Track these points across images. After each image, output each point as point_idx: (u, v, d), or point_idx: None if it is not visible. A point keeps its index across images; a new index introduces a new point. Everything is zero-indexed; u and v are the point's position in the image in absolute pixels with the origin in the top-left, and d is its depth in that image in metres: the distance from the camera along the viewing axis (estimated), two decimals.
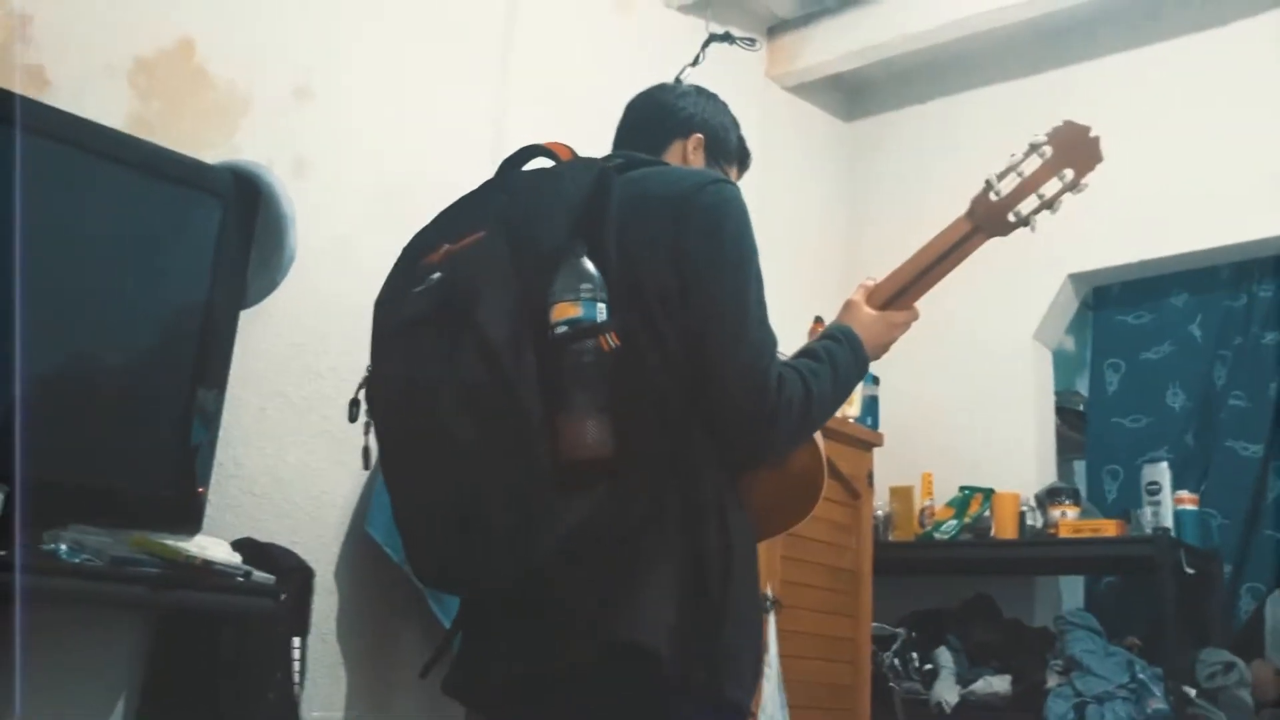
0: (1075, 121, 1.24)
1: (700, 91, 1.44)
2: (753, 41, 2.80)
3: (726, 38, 2.71)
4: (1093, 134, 1.24)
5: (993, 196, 1.24)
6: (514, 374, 1.01)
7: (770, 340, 1.14)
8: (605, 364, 1.03)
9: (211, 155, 1.87)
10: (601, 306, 1.04)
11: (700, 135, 1.36)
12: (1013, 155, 1.24)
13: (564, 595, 1.07)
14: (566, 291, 1.03)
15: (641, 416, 1.07)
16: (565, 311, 1.02)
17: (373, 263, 2.13)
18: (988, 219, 1.25)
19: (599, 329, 1.02)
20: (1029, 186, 1.23)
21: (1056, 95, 3.17)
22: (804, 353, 1.21)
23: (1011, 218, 1.24)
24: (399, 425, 1.11)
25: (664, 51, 2.70)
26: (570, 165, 1.18)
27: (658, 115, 1.38)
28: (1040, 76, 3.21)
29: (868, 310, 1.28)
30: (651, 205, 1.14)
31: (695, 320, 1.10)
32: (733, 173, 1.41)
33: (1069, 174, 1.22)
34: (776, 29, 3.33)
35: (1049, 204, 1.23)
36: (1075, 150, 1.23)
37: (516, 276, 1.05)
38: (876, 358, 1.29)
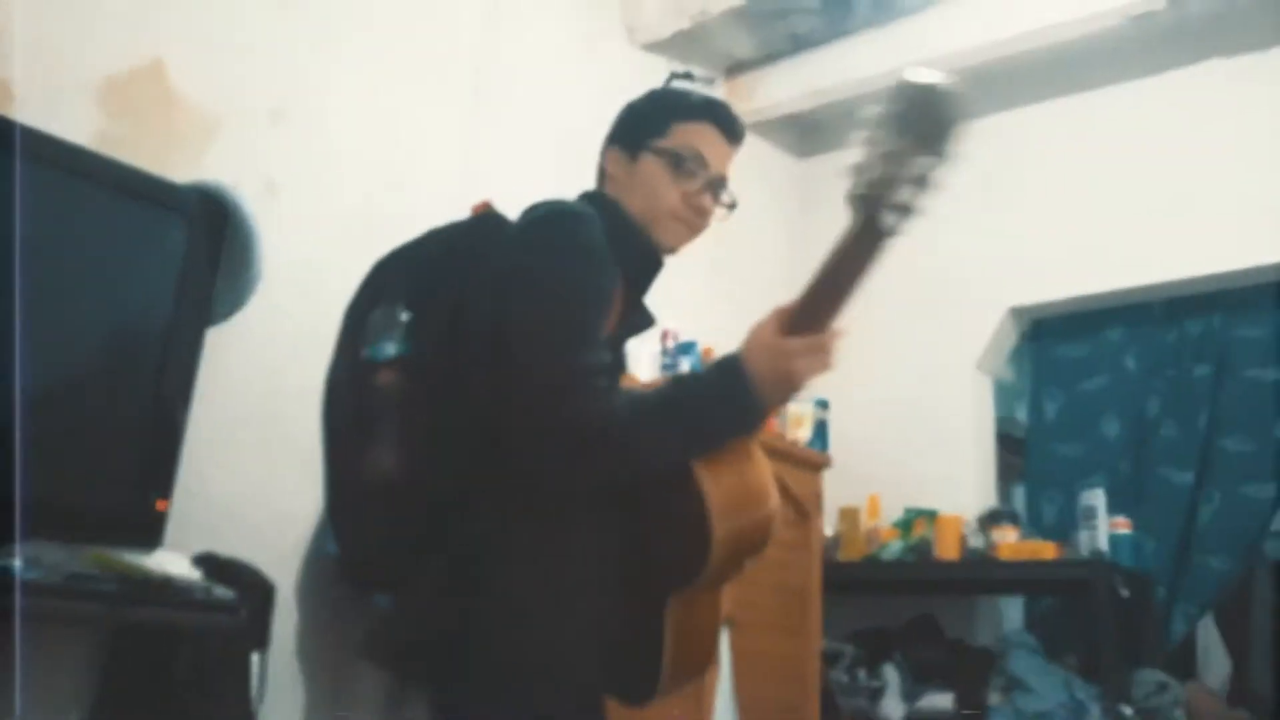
0: (913, 79, 1.01)
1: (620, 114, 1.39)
2: (711, 80, 2.89)
3: (687, 76, 2.78)
4: (936, 86, 1.00)
5: (864, 191, 1.04)
6: (335, 411, 1.26)
7: (565, 362, 1.09)
8: (390, 396, 1.18)
9: (181, 176, 1.89)
10: (388, 346, 1.18)
11: (613, 146, 1.35)
12: (870, 137, 1.03)
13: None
14: (369, 333, 1.21)
15: (435, 446, 1.17)
16: (364, 351, 1.22)
17: (340, 285, 2.16)
18: (870, 217, 1.05)
19: (382, 365, 1.18)
20: (896, 171, 1.02)
21: (999, 136, 3.30)
22: (670, 380, 1.22)
23: (891, 211, 1.04)
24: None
25: (628, 88, 2.72)
26: (452, 225, 1.33)
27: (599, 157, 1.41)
28: (985, 119, 3.34)
29: (764, 335, 1.13)
30: (496, 252, 1.22)
31: (499, 352, 1.13)
32: (683, 133, 1.31)
33: (936, 146, 1.00)
34: (734, 69, 3.44)
35: (922, 183, 1.02)
36: (928, 115, 1.01)
37: (355, 328, 1.27)
38: (776, 392, 1.13)
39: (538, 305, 1.13)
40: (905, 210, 1.04)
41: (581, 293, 1.15)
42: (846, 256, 1.10)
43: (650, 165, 1.32)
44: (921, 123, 1.01)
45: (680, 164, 1.31)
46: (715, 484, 1.12)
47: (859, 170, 1.04)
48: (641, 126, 1.34)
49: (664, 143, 1.31)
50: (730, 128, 1.36)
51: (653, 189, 1.31)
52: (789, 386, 1.14)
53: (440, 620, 1.14)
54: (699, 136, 1.33)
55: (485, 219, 1.29)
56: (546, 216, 1.21)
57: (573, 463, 1.09)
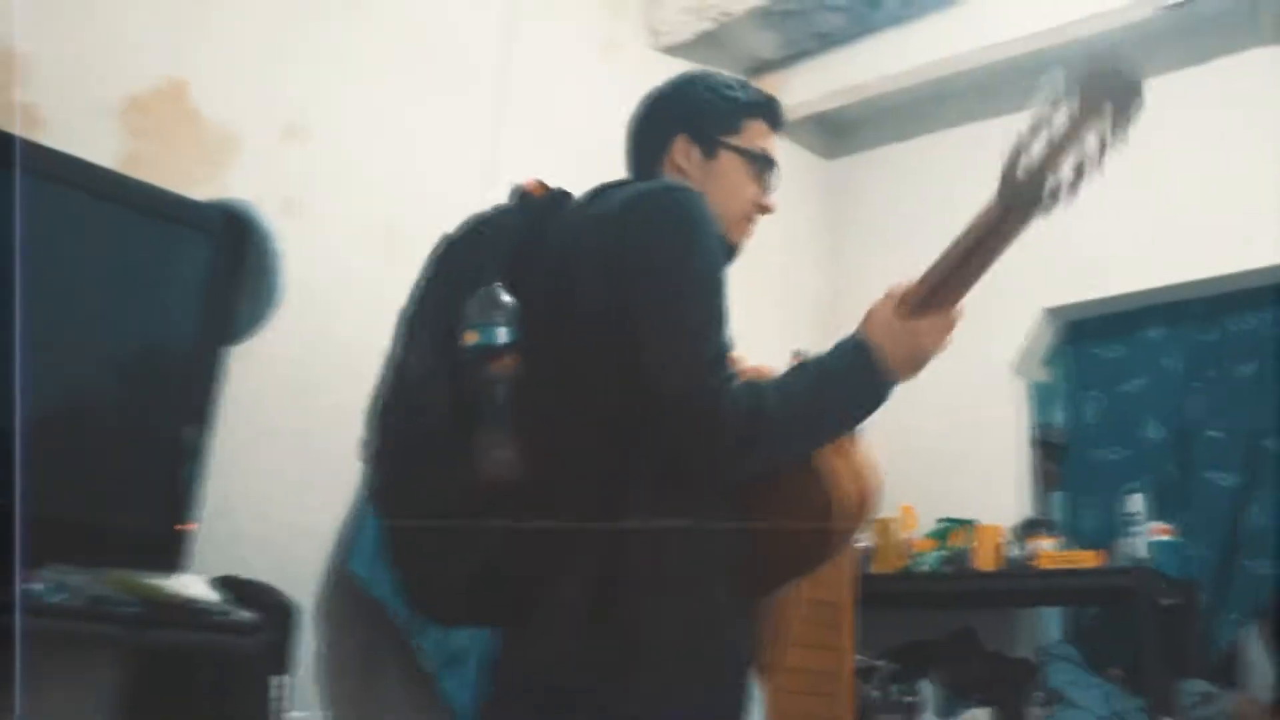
0: (1102, 59, 0.99)
1: (666, 87, 1.32)
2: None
3: None
4: (1127, 70, 0.98)
5: (1020, 172, 1.00)
6: (428, 407, 1.08)
7: (707, 353, 1.06)
8: (507, 384, 1.05)
9: (202, 193, 1.90)
10: (501, 331, 1.06)
11: (682, 136, 1.27)
12: (1033, 114, 1.00)
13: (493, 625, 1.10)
14: (472, 318, 1.07)
15: (558, 440, 1.07)
16: (470, 338, 1.07)
17: (362, 300, 2.16)
18: (1020, 195, 1.01)
19: (494, 352, 1.05)
20: (1062, 147, 0.99)
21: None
22: (795, 367, 1.11)
23: (1048, 190, 1.00)
24: (375, 474, 1.17)
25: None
26: (524, 203, 1.23)
27: (639, 141, 1.32)
28: (1018, 115, 3.26)
29: (887, 318, 1.11)
30: (594, 226, 1.13)
31: (631, 337, 1.06)
32: (753, 131, 1.28)
33: (1105, 122, 0.97)
34: (759, 70, 3.40)
35: (1088, 166, 0.99)
36: (1108, 95, 0.98)
37: (441, 313, 1.11)
38: (906, 371, 1.12)
39: (675, 291, 1.07)
40: (1065, 191, 1.00)
41: (715, 274, 1.10)
42: (989, 233, 1.06)
43: (731, 162, 1.28)
44: (1101, 97, 0.97)
45: (757, 164, 1.30)
46: (835, 460, 1.12)
47: (1017, 150, 1.01)
48: (714, 120, 1.28)
49: (740, 141, 1.28)
50: (780, 125, 1.35)
51: (734, 188, 1.28)
52: (917, 367, 1.13)
53: (582, 649, 1.03)
54: (764, 135, 1.31)
55: (560, 196, 1.22)
56: (665, 190, 1.14)
57: (724, 457, 1.05)
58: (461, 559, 1.07)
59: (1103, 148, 0.98)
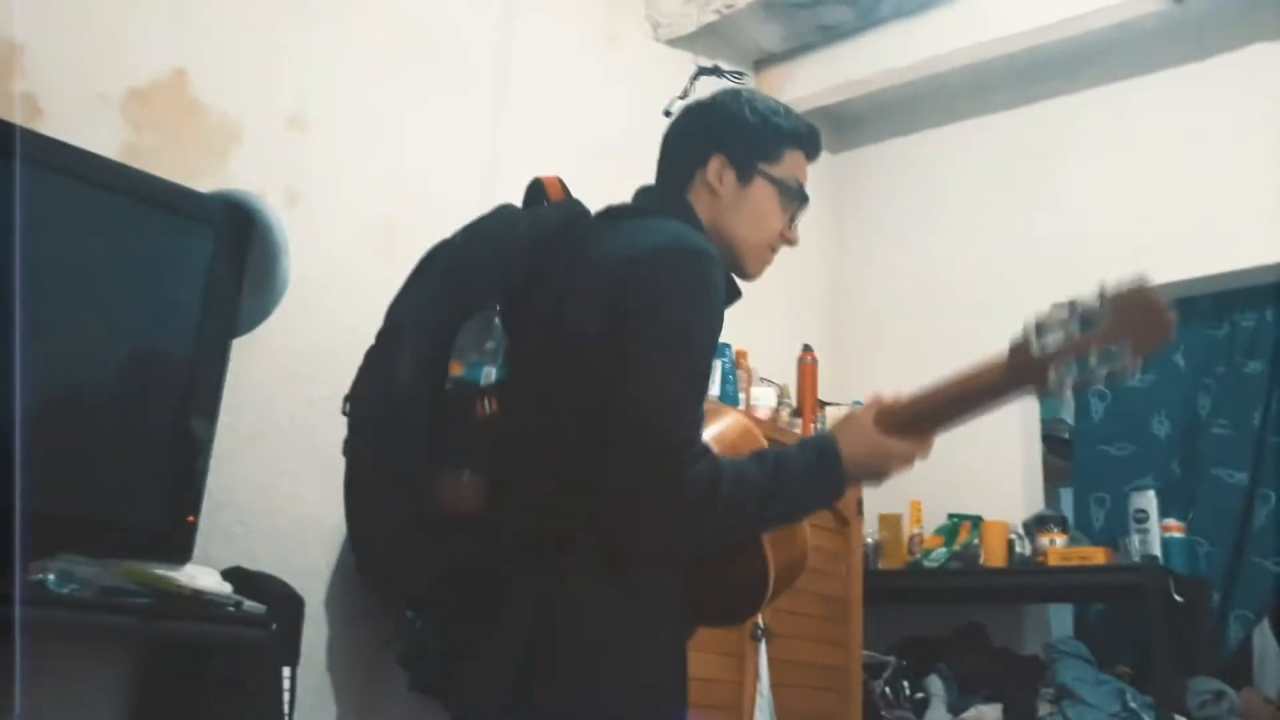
0: (1147, 289, 1.03)
1: (712, 102, 1.31)
2: (741, 74, 2.85)
3: (715, 71, 2.75)
4: (1164, 308, 1.02)
5: (1035, 351, 1.05)
6: (406, 416, 1.09)
7: (679, 434, 1.05)
8: (485, 424, 1.07)
9: (205, 185, 1.88)
10: (489, 371, 1.08)
11: (719, 155, 1.25)
12: (1065, 307, 1.04)
13: (436, 638, 1.15)
14: (461, 350, 1.08)
15: (521, 473, 1.09)
16: (455, 369, 1.08)
17: (364, 292, 2.14)
18: (1025, 373, 1.06)
19: (479, 392, 1.07)
20: (1076, 348, 1.03)
21: (1039, 127, 3.22)
22: (755, 454, 1.12)
23: (1052, 378, 1.04)
24: (346, 447, 1.18)
25: (653, 85, 2.74)
26: (539, 210, 1.21)
27: (673, 151, 1.30)
28: (1024, 109, 3.27)
29: (866, 426, 1.13)
30: (602, 269, 1.11)
31: (611, 393, 1.06)
32: (792, 161, 1.28)
33: (1125, 347, 1.01)
34: (763, 62, 3.39)
35: (1092, 381, 1.03)
36: (1138, 322, 1.01)
37: (435, 327, 1.11)
38: (868, 480, 1.16)
39: (667, 365, 1.07)
40: (1064, 386, 1.04)
41: (707, 349, 1.11)
42: (981, 388, 1.10)
43: (764, 191, 1.27)
44: (1132, 330, 1.01)
45: (790, 196, 1.28)
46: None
47: (1040, 325, 1.05)
48: (754, 145, 1.26)
49: (777, 170, 1.27)
50: (817, 155, 1.35)
51: (764, 217, 1.27)
52: (877, 480, 1.16)
53: (516, 664, 1.06)
54: (800, 166, 1.31)
55: (574, 212, 1.20)
56: (682, 253, 1.12)
57: (670, 529, 1.06)
58: (417, 567, 1.11)
59: (1114, 373, 1.01)
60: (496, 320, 1.10)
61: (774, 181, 1.26)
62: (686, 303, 1.09)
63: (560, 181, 1.25)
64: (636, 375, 1.05)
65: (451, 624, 1.13)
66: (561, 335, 1.10)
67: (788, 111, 1.31)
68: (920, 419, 1.13)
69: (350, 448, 1.16)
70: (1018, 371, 1.06)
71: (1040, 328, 1.05)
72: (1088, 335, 1.02)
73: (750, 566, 1.16)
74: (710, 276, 1.12)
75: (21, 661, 1.41)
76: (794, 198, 1.29)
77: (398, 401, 1.10)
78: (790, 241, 1.31)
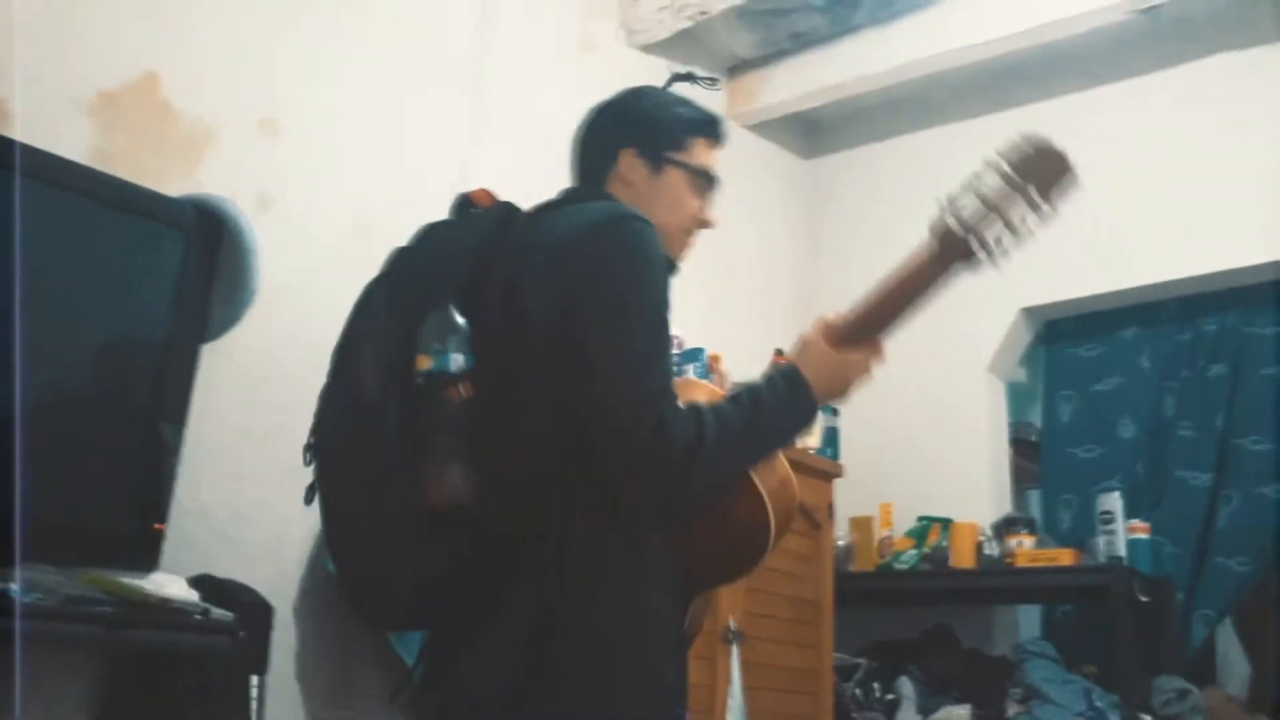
0: (1037, 136, 1.11)
1: (615, 101, 1.36)
2: (715, 81, 2.85)
3: (689, 77, 2.74)
4: (1055, 147, 1.11)
5: (952, 223, 1.12)
6: (377, 424, 1.09)
7: (653, 385, 1.07)
8: (462, 412, 1.07)
9: (175, 189, 1.87)
10: (457, 357, 1.08)
11: (629, 149, 1.30)
12: (972, 176, 1.11)
13: (427, 644, 1.13)
14: (426, 343, 1.09)
15: (505, 464, 1.09)
16: (423, 363, 1.08)
17: (336, 299, 2.12)
18: (952, 249, 1.13)
19: (450, 379, 1.07)
20: (993, 211, 1.11)
21: (1008, 133, 3.24)
22: (729, 396, 1.16)
23: (977, 247, 1.12)
24: (318, 473, 1.17)
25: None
26: (471, 217, 1.24)
27: (586, 151, 1.35)
28: (995, 115, 3.30)
29: (821, 347, 1.18)
30: (545, 252, 1.14)
31: (578, 366, 1.08)
32: (698, 148, 1.32)
33: (1035, 196, 1.09)
34: (737, 69, 3.41)
35: (1016, 231, 1.10)
36: (1038, 168, 1.11)
37: (394, 332, 1.12)
38: (834, 397, 1.21)
39: (624, 323, 1.09)
40: (993, 249, 1.12)
41: (662, 309, 1.13)
42: (916, 279, 1.16)
43: (676, 178, 1.31)
44: (1034, 175, 1.10)
45: (701, 180, 1.33)
46: (763, 478, 1.19)
47: (952, 202, 1.12)
48: (661, 137, 1.31)
49: (685, 157, 1.32)
50: (723, 142, 1.39)
51: (677, 202, 1.31)
52: (842, 395, 1.22)
53: (518, 663, 1.05)
54: (707, 152, 1.35)
55: (509, 211, 1.23)
56: (618, 221, 1.16)
57: (667, 485, 1.07)
58: (408, 574, 1.09)
59: (1029, 216, 1.10)
60: (454, 312, 1.10)
61: (684, 168, 1.31)
62: (633, 262, 1.12)
63: (488, 192, 1.27)
64: (600, 338, 1.08)
65: (443, 628, 1.13)
66: (519, 324, 1.11)
67: (686, 102, 1.36)
68: (868, 326, 1.19)
69: (322, 476, 1.15)
70: (945, 251, 1.13)
71: (952, 203, 1.11)
72: (996, 194, 1.09)
73: (748, 510, 1.18)
74: (649, 236, 1.15)
75: (21, 666, 1.41)
76: (704, 182, 1.33)
77: (367, 410, 1.11)
78: (706, 223, 1.35)
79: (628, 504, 1.10)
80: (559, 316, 1.10)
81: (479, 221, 1.22)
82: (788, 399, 1.16)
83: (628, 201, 1.28)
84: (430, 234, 1.26)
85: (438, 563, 1.08)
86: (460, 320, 1.09)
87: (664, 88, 1.39)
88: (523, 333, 1.11)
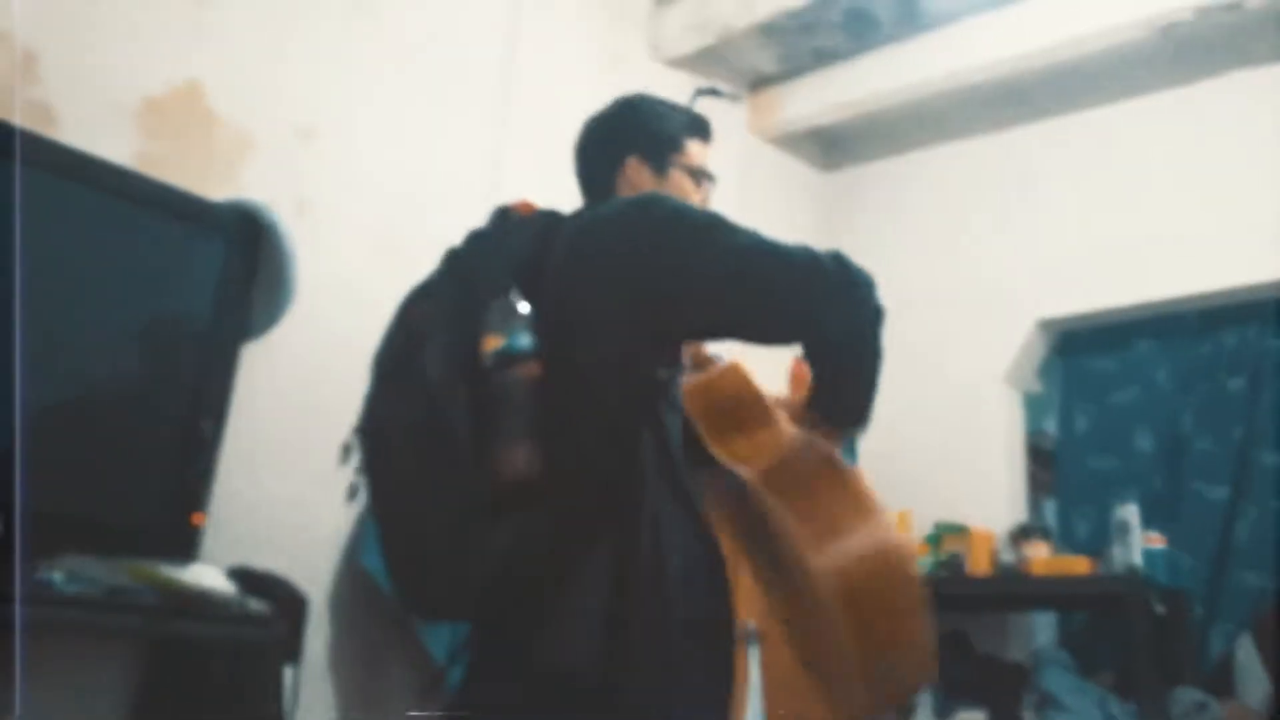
0: None
1: (610, 114, 1.43)
2: (737, 96, 2.90)
3: (712, 92, 2.81)
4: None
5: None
6: (446, 407, 1.09)
7: (783, 249, 1.14)
8: (531, 390, 1.08)
9: (216, 194, 1.93)
10: (525, 337, 1.10)
11: (633, 156, 1.36)
12: None
13: (502, 622, 1.12)
14: (493, 325, 1.11)
15: (572, 439, 1.11)
16: (492, 344, 1.10)
17: (372, 301, 2.18)
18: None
19: (520, 357, 1.09)
20: None
21: (1026, 148, 3.29)
22: None
23: None
24: (373, 466, 1.17)
25: None
26: (520, 221, 1.28)
27: (592, 165, 1.41)
28: (1012, 131, 3.34)
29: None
30: (587, 245, 1.19)
31: (717, 310, 1.15)
32: (692, 148, 1.39)
33: None
34: (758, 84, 3.45)
35: None
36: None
37: (458, 321, 1.14)
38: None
39: (726, 247, 1.14)
40: None
41: (722, 220, 1.18)
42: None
43: (679, 179, 1.38)
44: None
45: (701, 178, 1.40)
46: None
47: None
48: (660, 141, 1.38)
49: (684, 158, 1.39)
50: (710, 139, 1.45)
51: (684, 200, 1.36)
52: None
53: (599, 626, 1.06)
54: (700, 151, 1.42)
55: (552, 217, 1.28)
56: (649, 201, 1.22)
57: (861, 308, 1.15)
58: (477, 554, 1.08)
59: None
60: (515, 298, 1.13)
61: (684, 168, 1.38)
62: (668, 226, 1.17)
63: (529, 203, 1.31)
64: (723, 269, 1.13)
65: (511, 610, 1.12)
66: (581, 303, 1.14)
67: (675, 107, 1.43)
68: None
69: (379, 465, 1.15)
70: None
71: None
72: None
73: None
74: (663, 203, 1.21)
75: (22, 660, 1.43)
76: (704, 179, 1.41)
77: (433, 394, 1.10)
78: None
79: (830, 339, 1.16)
80: (613, 286, 1.14)
81: (525, 225, 1.27)
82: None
83: None
84: (480, 235, 1.29)
85: (506, 541, 1.09)
86: (523, 304, 1.12)
87: (689, 102, 1.45)
88: (580, 316, 1.14)
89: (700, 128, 1.42)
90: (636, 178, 1.35)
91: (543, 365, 1.09)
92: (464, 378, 1.10)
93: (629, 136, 1.39)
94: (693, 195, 1.38)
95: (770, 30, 3.13)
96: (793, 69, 3.37)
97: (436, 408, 1.10)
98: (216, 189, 1.96)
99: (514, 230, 1.26)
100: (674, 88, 3.07)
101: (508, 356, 1.09)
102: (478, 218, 1.36)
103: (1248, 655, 3.13)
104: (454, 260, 1.26)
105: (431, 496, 1.09)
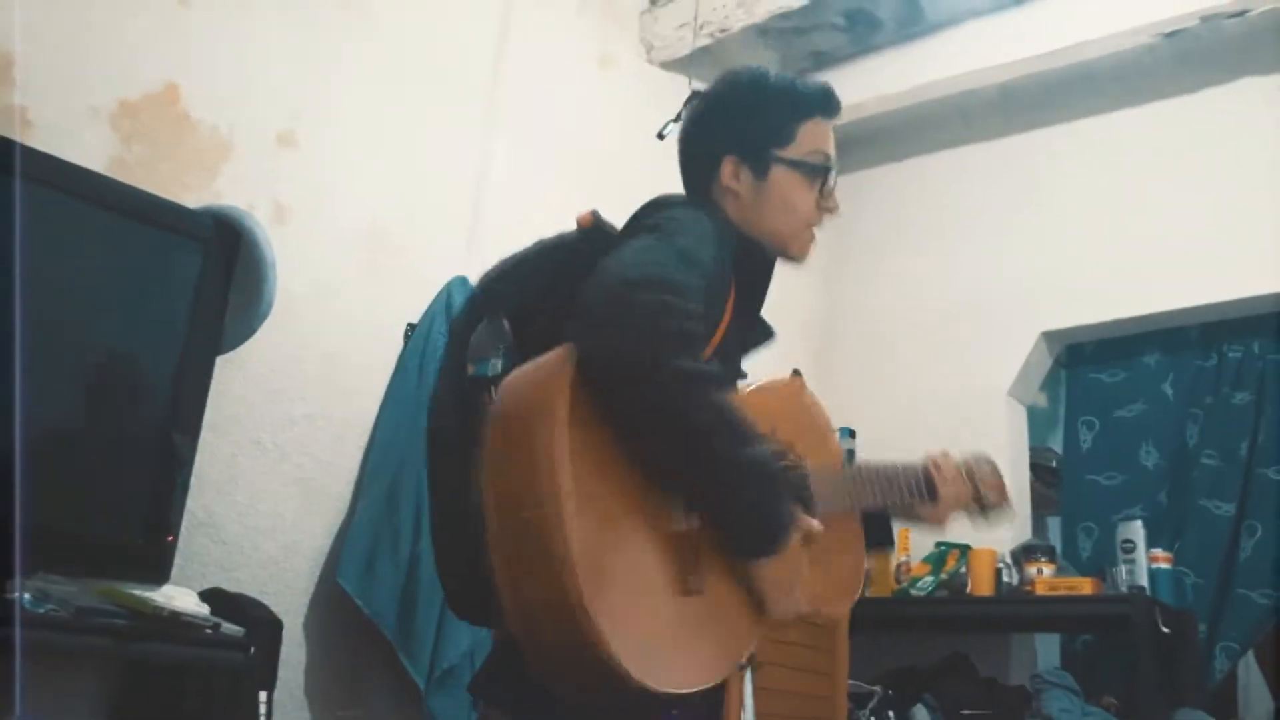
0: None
1: (712, 100, 1.24)
2: None
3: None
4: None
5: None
6: (443, 426, 1.15)
7: (652, 264, 0.97)
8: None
9: (193, 200, 1.87)
10: (495, 363, 1.11)
11: (729, 158, 1.20)
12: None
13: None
14: (472, 350, 1.15)
15: None
16: (468, 369, 1.15)
17: (351, 310, 2.13)
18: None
19: (486, 383, 1.10)
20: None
21: (1030, 156, 3.24)
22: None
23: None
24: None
25: (646, 107, 2.74)
26: (569, 235, 1.20)
27: (689, 166, 1.26)
28: (1015, 137, 3.29)
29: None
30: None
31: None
32: (808, 132, 1.21)
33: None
34: None
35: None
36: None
37: (459, 336, 1.17)
38: (774, 542, 1.03)
39: (638, 241, 1.04)
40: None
41: (684, 238, 1.03)
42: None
43: (784, 177, 1.21)
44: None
45: (814, 172, 1.22)
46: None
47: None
48: (763, 133, 1.20)
49: (793, 152, 1.21)
50: (837, 112, 1.27)
51: (791, 204, 1.22)
52: (774, 549, 1.05)
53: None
54: (821, 134, 1.24)
55: (592, 232, 1.17)
56: (649, 201, 1.16)
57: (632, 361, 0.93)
58: (479, 565, 1.06)
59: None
60: (505, 323, 1.14)
61: (792, 164, 1.20)
62: (655, 211, 1.12)
63: (592, 214, 1.19)
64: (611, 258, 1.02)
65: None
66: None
67: (789, 83, 1.24)
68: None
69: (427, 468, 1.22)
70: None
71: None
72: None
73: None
74: (678, 202, 1.15)
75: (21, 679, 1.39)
76: (818, 172, 1.23)
77: (434, 408, 1.20)
78: (830, 211, 1.25)
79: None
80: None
81: (571, 238, 1.18)
82: (773, 485, 1.00)
83: (738, 212, 1.20)
84: (532, 248, 1.21)
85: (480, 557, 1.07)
86: (502, 329, 1.14)
87: (685, 105, 1.32)
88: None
89: (817, 105, 1.23)
90: (732, 182, 1.19)
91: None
92: (456, 393, 1.14)
93: (725, 131, 1.20)
94: (803, 197, 1.21)
95: (768, 32, 3.08)
96: (791, 72, 3.31)
97: (434, 423, 1.17)
98: (193, 195, 1.90)
99: (560, 244, 1.18)
100: (669, 90, 3.02)
101: (479, 381, 1.12)
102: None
103: (1250, 674, 3.09)
104: (490, 271, 1.24)
105: (444, 508, 1.16)
